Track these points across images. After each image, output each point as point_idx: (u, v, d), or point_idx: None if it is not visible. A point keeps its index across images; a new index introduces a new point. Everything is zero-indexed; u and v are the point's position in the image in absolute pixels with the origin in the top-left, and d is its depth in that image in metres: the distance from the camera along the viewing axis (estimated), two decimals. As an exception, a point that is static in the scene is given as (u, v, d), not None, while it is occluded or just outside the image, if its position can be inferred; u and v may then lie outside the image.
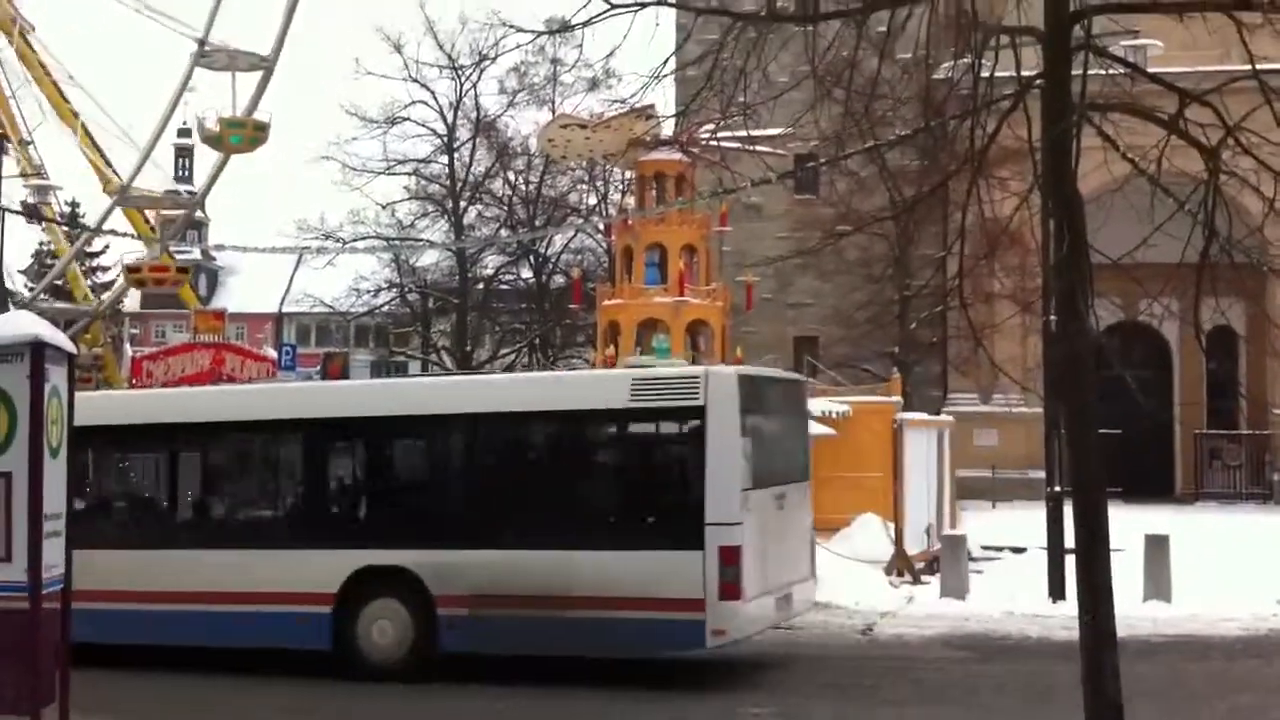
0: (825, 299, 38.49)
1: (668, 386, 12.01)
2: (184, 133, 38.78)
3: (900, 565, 19.34)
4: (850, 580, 18.01)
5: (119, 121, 34.23)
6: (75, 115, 34.74)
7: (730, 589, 11.26)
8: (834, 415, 26.33)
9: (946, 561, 17.82)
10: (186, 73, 32.51)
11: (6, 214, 27.15)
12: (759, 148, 22.13)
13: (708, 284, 32.36)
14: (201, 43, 31.88)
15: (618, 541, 11.71)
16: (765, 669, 13.18)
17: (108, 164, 34.76)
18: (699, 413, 11.52)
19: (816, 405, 27.16)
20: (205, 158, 34.50)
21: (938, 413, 28.46)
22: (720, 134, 21.68)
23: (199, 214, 36.42)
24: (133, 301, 54.72)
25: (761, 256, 36.10)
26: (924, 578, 19.01)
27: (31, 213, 39.11)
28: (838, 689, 12.32)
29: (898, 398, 28.10)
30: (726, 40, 8.69)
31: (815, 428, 22.97)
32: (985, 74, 8.35)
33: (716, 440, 11.47)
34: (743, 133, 17.64)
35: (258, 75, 32.48)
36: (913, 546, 19.82)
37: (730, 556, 11.25)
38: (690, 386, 11.77)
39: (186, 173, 46.14)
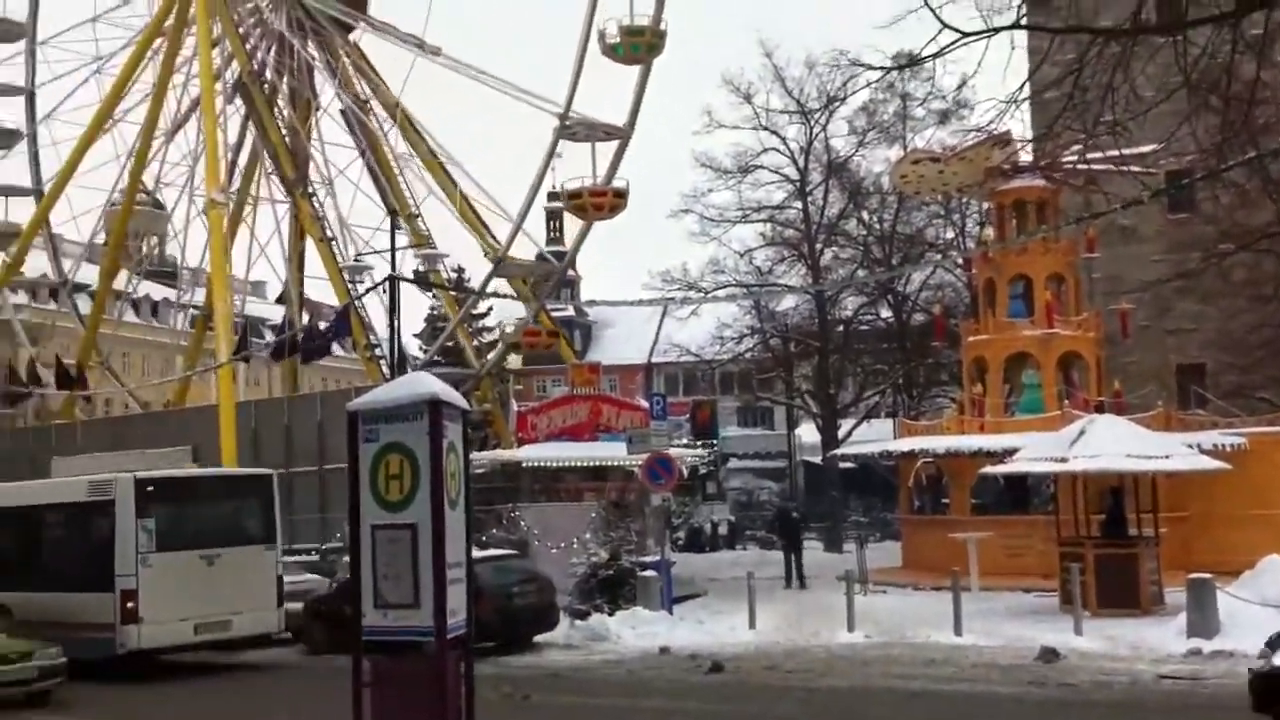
0: (1210, 323, 35.89)
1: (101, 487, 18.88)
2: (553, 195, 41.01)
3: (1315, 610, 17.66)
4: (1256, 627, 16.64)
5: (490, 192, 36.00)
6: (455, 186, 37.16)
7: (128, 615, 18.03)
8: (1227, 448, 24.48)
9: (1371, 605, 16.13)
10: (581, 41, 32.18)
11: (401, 283, 29.59)
12: (1128, 167, 21.02)
13: (1078, 314, 30.92)
14: None
15: (81, 587, 18.47)
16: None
17: (487, 231, 37.06)
18: (112, 505, 18.45)
19: (1207, 438, 25.38)
20: (573, 222, 35.88)
21: (1351, 441, 25.85)
22: (1085, 155, 20.76)
23: (570, 272, 38.05)
24: (514, 359, 58.12)
25: (1136, 281, 34.21)
26: (1345, 624, 17.23)
27: (422, 280, 42.50)
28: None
29: (1302, 426, 25.80)
30: (1087, 58, 8.39)
31: (1205, 462, 21.45)
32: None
33: (120, 522, 18.37)
34: (1111, 152, 16.84)
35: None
36: (1329, 589, 18.04)
37: (127, 596, 18.07)
38: (109, 487, 18.66)
39: (557, 233, 48.65)
